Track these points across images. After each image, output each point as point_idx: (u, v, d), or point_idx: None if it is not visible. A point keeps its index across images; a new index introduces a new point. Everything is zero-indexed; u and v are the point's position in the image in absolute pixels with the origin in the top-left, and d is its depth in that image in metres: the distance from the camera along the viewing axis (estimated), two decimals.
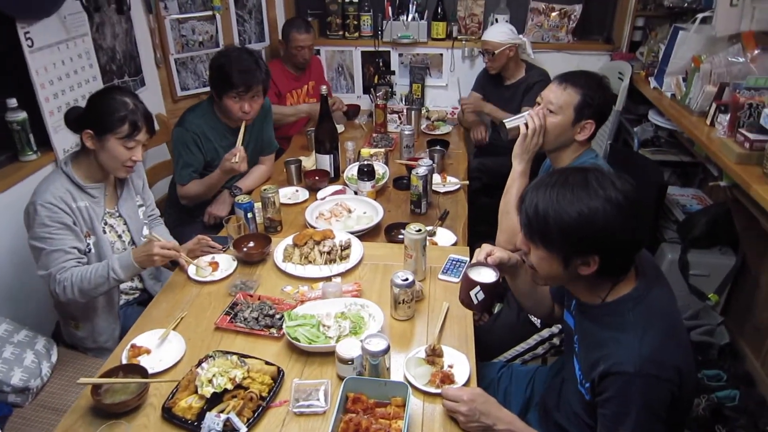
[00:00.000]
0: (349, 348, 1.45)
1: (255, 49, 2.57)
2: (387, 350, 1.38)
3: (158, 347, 1.59)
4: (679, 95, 2.70)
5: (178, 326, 1.68)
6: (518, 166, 1.89)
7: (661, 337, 1.14)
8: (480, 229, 2.48)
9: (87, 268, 1.77)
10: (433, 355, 1.51)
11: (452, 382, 1.42)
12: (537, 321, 1.96)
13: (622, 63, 3.33)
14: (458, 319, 1.68)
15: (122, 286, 2.00)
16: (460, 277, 1.49)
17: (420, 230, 1.79)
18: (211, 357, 1.48)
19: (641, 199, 1.15)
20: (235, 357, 1.46)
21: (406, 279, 1.63)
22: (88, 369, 1.85)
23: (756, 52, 2.41)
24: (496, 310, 2.24)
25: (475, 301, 1.41)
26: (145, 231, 2.05)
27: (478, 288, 1.39)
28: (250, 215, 2.11)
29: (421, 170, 2.30)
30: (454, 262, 1.93)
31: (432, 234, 2.18)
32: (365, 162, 2.38)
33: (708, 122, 2.45)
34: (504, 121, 1.90)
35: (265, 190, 2.17)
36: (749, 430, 2.07)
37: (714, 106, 2.41)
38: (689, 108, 2.57)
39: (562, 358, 1.58)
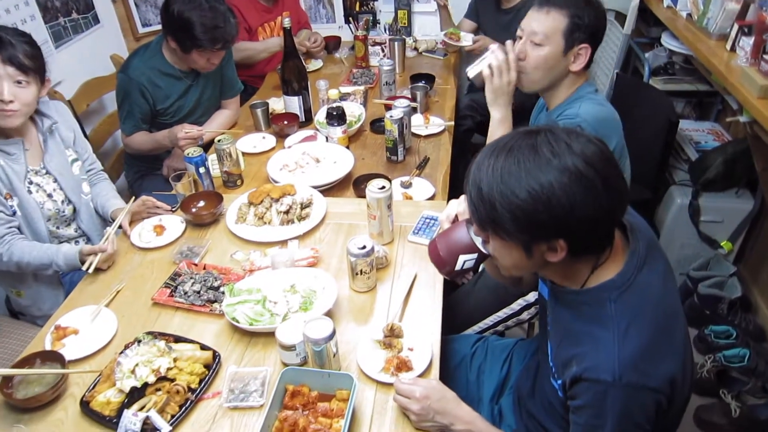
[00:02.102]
0: (291, 331, 1.26)
1: None
2: (332, 336, 1.19)
3: (88, 327, 1.43)
4: (695, 15, 2.34)
5: (112, 301, 1.50)
6: (496, 114, 1.63)
7: (648, 336, 0.92)
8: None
9: (30, 251, 1.63)
10: (391, 335, 1.32)
11: (409, 369, 1.24)
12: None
13: None
14: (426, 289, 1.48)
15: None
16: (442, 232, 1.20)
17: (384, 187, 1.55)
18: (138, 341, 1.31)
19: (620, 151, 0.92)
20: (162, 343, 1.28)
21: (363, 247, 1.41)
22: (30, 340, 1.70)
23: None
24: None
25: (458, 268, 1.15)
26: (85, 188, 1.85)
27: (474, 257, 1.13)
28: (202, 170, 1.89)
29: (396, 112, 2.03)
30: (427, 221, 1.71)
31: (407, 185, 1.95)
32: (334, 104, 2.11)
33: (728, 47, 2.11)
34: (467, 70, 1.62)
35: (219, 141, 1.93)
36: (757, 393, 1.89)
37: (736, 27, 2.07)
38: (707, 30, 2.23)
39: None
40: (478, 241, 1.09)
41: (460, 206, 1.26)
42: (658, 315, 0.96)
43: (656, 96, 2.36)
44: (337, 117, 2.11)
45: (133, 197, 1.81)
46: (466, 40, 2.75)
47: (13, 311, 1.92)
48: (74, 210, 1.80)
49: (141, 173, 2.38)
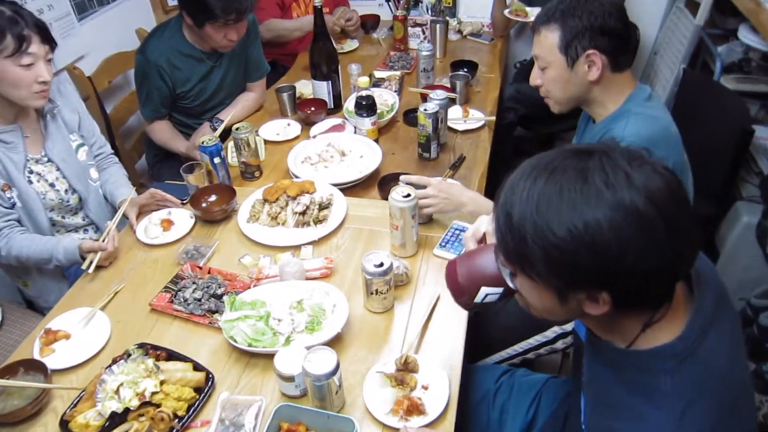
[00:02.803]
0: (291, 359, 1.12)
1: None
2: (334, 371, 1.05)
3: (80, 331, 1.32)
4: None
5: (110, 303, 1.40)
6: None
7: (711, 421, 0.74)
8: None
9: (29, 244, 1.54)
10: (405, 369, 1.17)
11: (421, 413, 1.08)
12: None
13: None
14: (450, 313, 1.32)
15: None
16: (465, 254, 1.04)
17: (409, 196, 1.38)
18: (128, 355, 1.20)
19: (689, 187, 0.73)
20: (151, 361, 1.16)
21: (381, 264, 1.25)
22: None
23: None
24: None
25: (477, 300, 0.97)
26: (93, 174, 1.74)
27: (498, 291, 0.95)
28: (217, 160, 1.75)
29: (431, 106, 1.84)
30: (457, 232, 1.53)
31: None
32: (363, 93, 1.94)
33: None
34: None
35: (237, 129, 1.79)
36: None
37: None
38: None
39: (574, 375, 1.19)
40: (506, 273, 0.89)
41: (491, 224, 1.09)
42: (723, 393, 0.77)
43: (727, 97, 2.09)
44: (366, 108, 1.93)
45: (131, 192, 1.70)
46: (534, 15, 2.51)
47: (28, 302, 1.86)
48: (80, 199, 1.70)
49: (160, 156, 2.27)
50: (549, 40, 1.32)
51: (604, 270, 0.70)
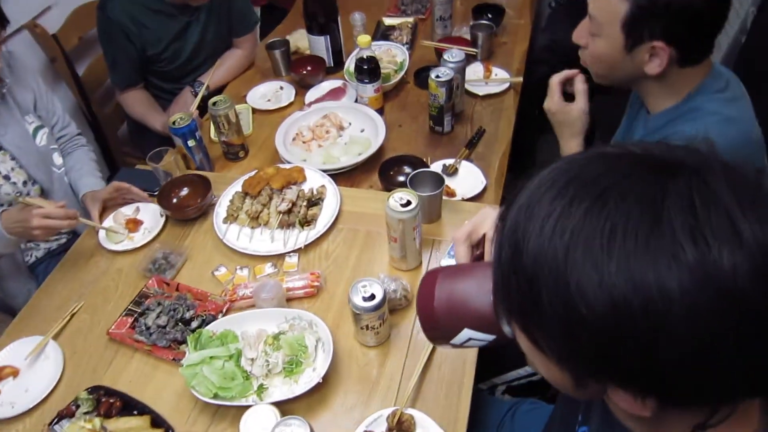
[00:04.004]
0: (260, 424, 0.93)
1: None
2: None
3: (29, 368, 1.15)
4: None
5: (65, 329, 1.21)
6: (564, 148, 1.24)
7: None
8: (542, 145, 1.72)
9: None
10: (399, 429, 0.96)
11: None
12: None
13: None
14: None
15: None
16: (449, 270, 0.73)
17: (408, 204, 1.12)
18: (77, 405, 1.02)
19: None
20: (98, 421, 0.98)
21: (372, 297, 1.02)
22: None
23: None
24: None
25: (455, 342, 0.70)
26: (57, 160, 1.52)
27: (486, 339, 0.68)
28: (192, 143, 1.51)
29: (444, 72, 1.54)
30: None
31: (450, 171, 1.50)
32: (365, 55, 1.63)
33: None
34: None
35: (214, 104, 1.53)
36: None
37: None
38: None
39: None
40: (504, 321, 0.59)
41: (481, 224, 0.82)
42: None
43: None
44: (368, 72, 1.63)
45: (97, 183, 1.47)
46: None
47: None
48: (42, 190, 1.48)
49: (139, 127, 2.02)
50: (613, 6, 0.98)
51: (657, 371, 0.45)
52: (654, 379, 0.46)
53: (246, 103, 1.81)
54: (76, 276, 1.32)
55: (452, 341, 0.70)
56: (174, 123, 1.47)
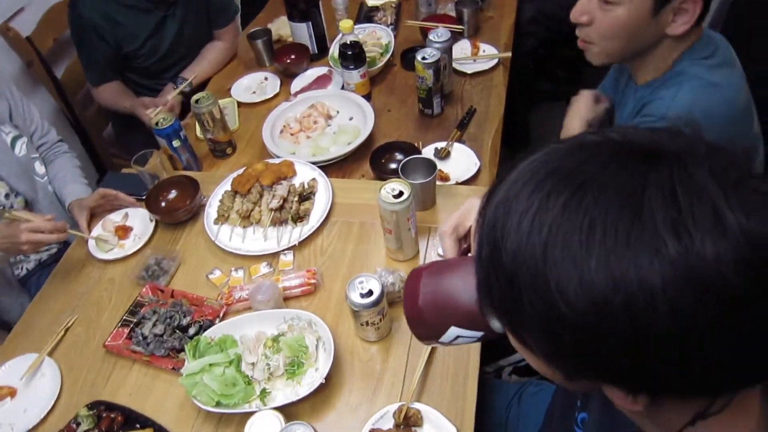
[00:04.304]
0: (265, 430, 0.91)
1: None
2: None
3: (26, 387, 1.13)
4: None
5: (60, 344, 1.19)
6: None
7: None
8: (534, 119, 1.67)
9: None
10: (406, 425, 0.95)
11: None
12: None
13: None
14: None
15: None
16: (435, 266, 0.70)
17: (400, 195, 1.09)
18: (77, 423, 1.00)
19: None
20: None
21: (369, 293, 1.00)
22: None
23: None
24: None
25: (444, 340, 0.68)
26: (39, 168, 1.49)
27: (474, 336, 0.66)
28: (177, 143, 1.47)
29: (430, 53, 1.49)
30: None
31: (443, 155, 1.46)
32: (348, 40, 1.58)
33: None
34: None
35: (196, 101, 1.48)
36: None
37: None
38: None
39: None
40: (492, 317, 0.59)
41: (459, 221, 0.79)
42: None
43: None
44: (352, 57, 1.59)
45: (82, 190, 1.43)
46: None
47: None
48: (26, 201, 1.45)
49: (126, 126, 1.98)
50: None
51: (643, 368, 0.43)
52: (641, 376, 0.44)
53: (231, 97, 1.77)
54: (68, 288, 1.29)
55: (440, 339, 0.68)
56: (157, 124, 1.43)
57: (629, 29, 0.98)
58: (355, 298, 1.00)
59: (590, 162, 0.44)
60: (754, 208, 0.40)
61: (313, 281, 1.17)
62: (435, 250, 1.22)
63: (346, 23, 1.55)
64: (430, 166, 1.27)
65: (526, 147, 2.44)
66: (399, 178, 1.14)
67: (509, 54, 1.76)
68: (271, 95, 1.76)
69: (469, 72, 1.72)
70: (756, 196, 0.41)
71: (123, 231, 1.36)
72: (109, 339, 1.15)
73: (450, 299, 0.67)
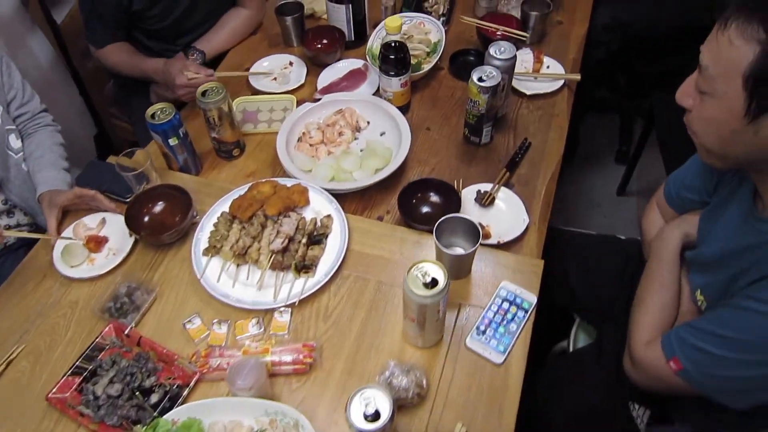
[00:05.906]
0: None
1: None
2: None
3: None
4: None
5: None
6: None
7: None
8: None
9: None
10: None
11: None
12: (640, 414, 1.09)
13: None
14: None
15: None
16: None
17: (434, 284, 0.86)
18: None
19: None
20: None
21: (376, 416, 0.78)
22: None
23: None
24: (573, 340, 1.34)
25: None
26: (14, 143, 1.27)
27: None
28: (174, 141, 1.23)
29: (489, 74, 1.22)
30: (506, 305, 1.02)
31: (485, 203, 1.21)
32: (391, 41, 1.31)
33: None
34: None
35: (203, 93, 1.23)
36: None
37: None
38: None
39: None
40: None
41: None
42: None
43: None
44: (394, 63, 1.32)
45: (60, 177, 1.21)
46: None
47: None
48: None
49: (129, 90, 1.72)
50: (735, 53, 0.68)
51: None
52: None
53: (247, 73, 1.51)
54: (22, 303, 1.09)
55: None
56: (153, 117, 1.18)
57: (719, 129, 0.75)
58: (358, 420, 0.78)
59: None
60: None
61: (308, 360, 0.95)
62: (462, 339, 0.99)
63: (393, 21, 1.28)
64: (471, 230, 1.03)
65: (572, 161, 2.18)
66: (430, 235, 0.91)
67: (578, 77, 1.48)
68: (296, 86, 1.50)
69: (528, 93, 1.44)
70: None
71: (96, 243, 1.14)
72: (54, 389, 0.95)
73: None
